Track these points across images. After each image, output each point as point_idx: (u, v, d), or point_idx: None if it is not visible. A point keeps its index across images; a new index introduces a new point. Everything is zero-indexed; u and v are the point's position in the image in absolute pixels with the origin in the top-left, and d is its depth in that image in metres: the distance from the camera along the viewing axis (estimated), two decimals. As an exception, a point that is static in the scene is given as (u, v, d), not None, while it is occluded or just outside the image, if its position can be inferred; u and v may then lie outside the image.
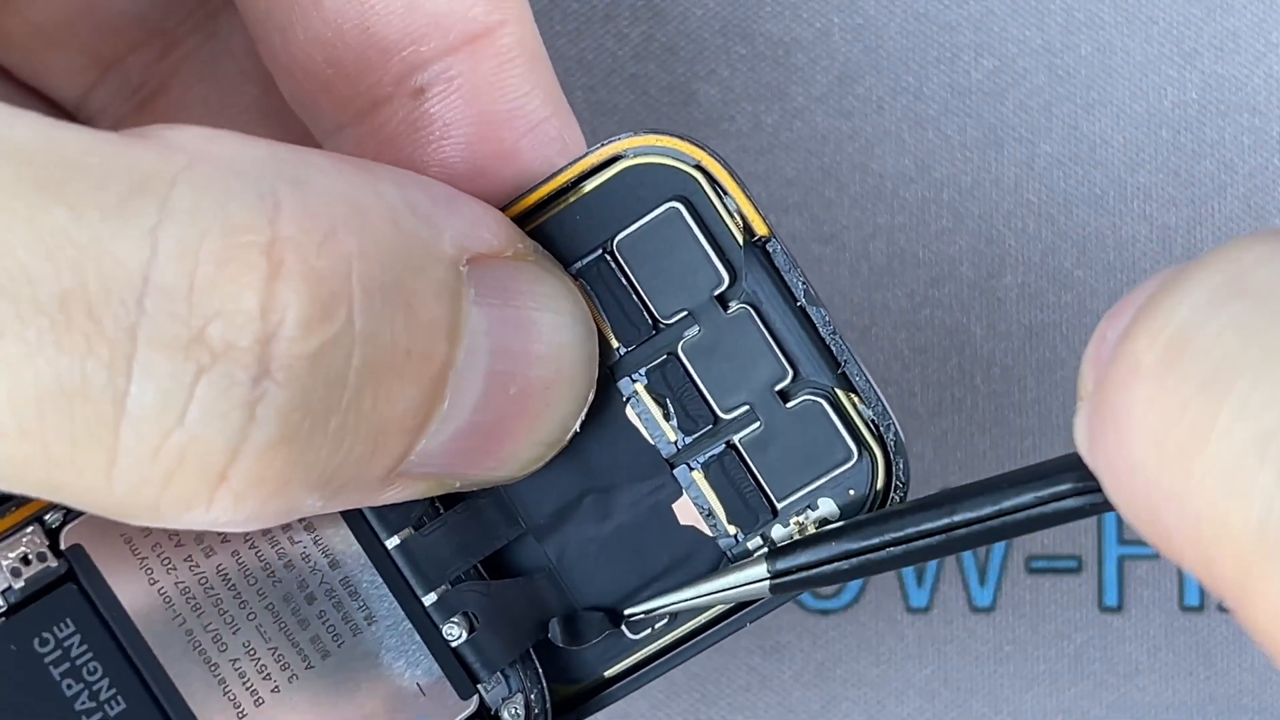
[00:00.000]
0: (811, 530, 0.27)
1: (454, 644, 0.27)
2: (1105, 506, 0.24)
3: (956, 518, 0.25)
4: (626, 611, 0.27)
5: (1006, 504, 0.25)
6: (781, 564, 0.26)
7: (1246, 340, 0.20)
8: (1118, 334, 0.22)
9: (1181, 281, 0.21)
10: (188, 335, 0.22)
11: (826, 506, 0.27)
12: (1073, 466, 0.24)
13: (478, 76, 0.27)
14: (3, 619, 0.26)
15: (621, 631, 0.28)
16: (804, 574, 0.26)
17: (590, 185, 0.27)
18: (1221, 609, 0.37)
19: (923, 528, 0.25)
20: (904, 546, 0.26)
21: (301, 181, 0.23)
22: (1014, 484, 0.25)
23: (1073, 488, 0.24)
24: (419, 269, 0.24)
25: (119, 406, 0.22)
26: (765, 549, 0.27)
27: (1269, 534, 0.19)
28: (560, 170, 0.27)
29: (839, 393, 0.27)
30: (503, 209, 0.27)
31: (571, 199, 0.27)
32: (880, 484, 0.27)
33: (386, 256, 0.23)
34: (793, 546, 0.27)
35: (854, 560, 0.26)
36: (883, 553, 0.26)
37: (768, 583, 0.26)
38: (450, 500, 0.27)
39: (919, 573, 0.37)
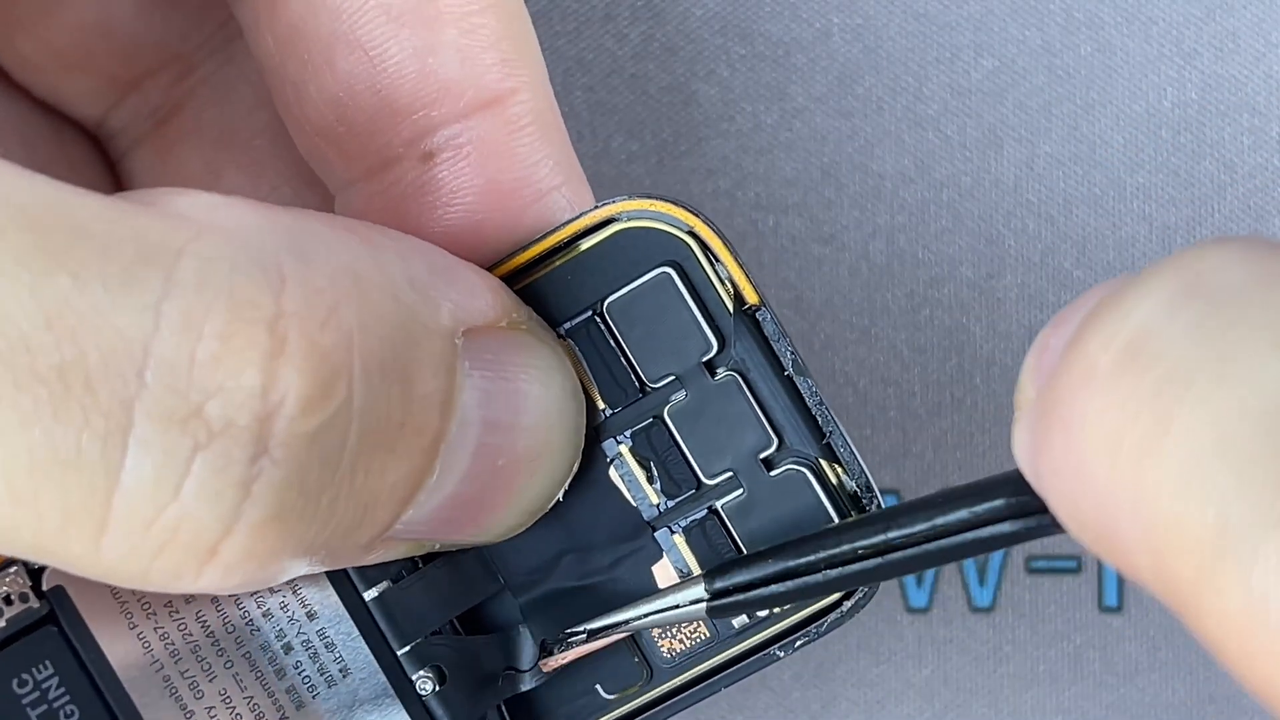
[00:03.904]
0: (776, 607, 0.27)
1: (424, 697, 0.27)
2: (1040, 531, 0.24)
3: (892, 534, 0.25)
4: (564, 632, 0.28)
5: (940, 521, 0.24)
6: (720, 583, 0.26)
7: (1204, 342, 0.20)
8: (1063, 341, 0.21)
9: (1137, 285, 0.21)
10: (186, 411, 0.22)
11: None
12: (1009, 482, 0.24)
13: (487, 143, 0.27)
14: None
15: (596, 692, 0.28)
16: (742, 596, 0.26)
17: (584, 246, 0.27)
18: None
19: (858, 545, 0.25)
20: (840, 570, 0.25)
21: (306, 254, 0.23)
22: (948, 500, 0.24)
23: (1006, 504, 0.24)
24: (416, 342, 0.24)
25: (113, 479, 0.22)
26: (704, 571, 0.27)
27: (1225, 536, 0.19)
28: (554, 229, 0.27)
29: (823, 463, 0.27)
30: (495, 265, 0.27)
31: (564, 259, 0.27)
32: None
33: (386, 331, 0.23)
34: (729, 565, 0.27)
35: (792, 583, 0.26)
36: (819, 575, 0.26)
37: (705, 605, 0.27)
38: (430, 554, 0.27)
39: (919, 573, 0.37)
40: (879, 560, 0.25)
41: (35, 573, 0.26)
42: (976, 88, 0.37)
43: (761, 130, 0.37)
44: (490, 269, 0.27)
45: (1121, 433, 0.20)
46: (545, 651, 0.28)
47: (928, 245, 0.37)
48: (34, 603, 0.26)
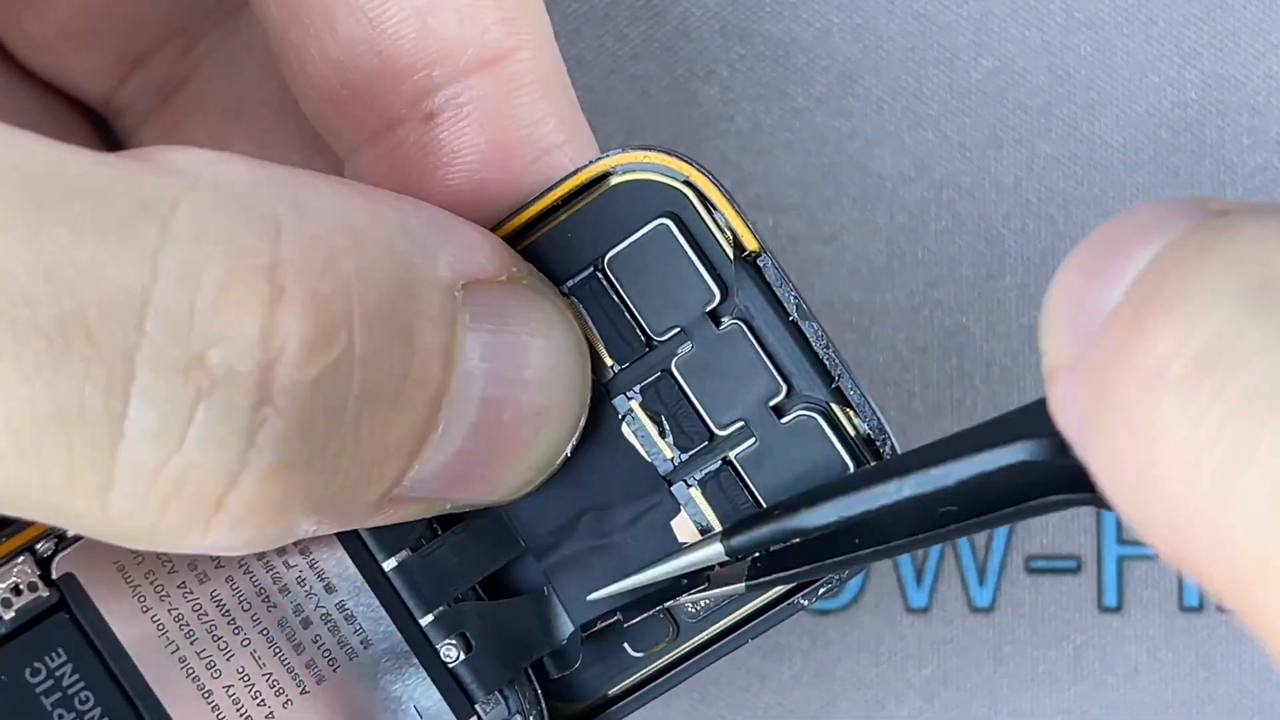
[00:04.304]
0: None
1: (450, 665, 0.27)
2: (1080, 501, 0.23)
3: (906, 493, 0.24)
4: (589, 597, 0.27)
5: (960, 477, 0.23)
6: (738, 540, 0.26)
7: None
8: (1108, 301, 0.20)
9: (1205, 277, 0.19)
10: (187, 360, 0.22)
11: None
12: (1029, 433, 0.23)
13: (488, 103, 0.27)
14: None
15: (624, 650, 0.28)
16: (779, 574, 0.26)
17: (580, 203, 0.27)
18: (1221, 609, 0.37)
19: (879, 506, 0.25)
20: (872, 549, 0.25)
21: (301, 205, 0.23)
22: (966, 449, 0.23)
23: (1026, 462, 0.23)
24: (415, 294, 0.24)
25: (116, 431, 0.22)
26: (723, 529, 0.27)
27: None
28: (550, 188, 0.27)
29: (834, 407, 0.27)
30: (494, 228, 0.27)
31: (562, 217, 0.27)
32: None
33: (384, 282, 0.23)
34: (746, 523, 0.26)
35: (828, 561, 0.26)
36: (854, 549, 0.26)
37: (744, 584, 0.26)
38: (448, 520, 0.27)
39: (918, 572, 0.37)
40: (910, 539, 0.25)
41: (44, 561, 0.26)
42: (976, 88, 0.37)
43: (761, 130, 0.37)
44: (491, 231, 0.27)
45: (1200, 451, 0.19)
46: (585, 632, 0.27)
47: (928, 245, 0.37)
48: (43, 591, 0.26)
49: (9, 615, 0.26)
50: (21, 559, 0.26)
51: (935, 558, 0.37)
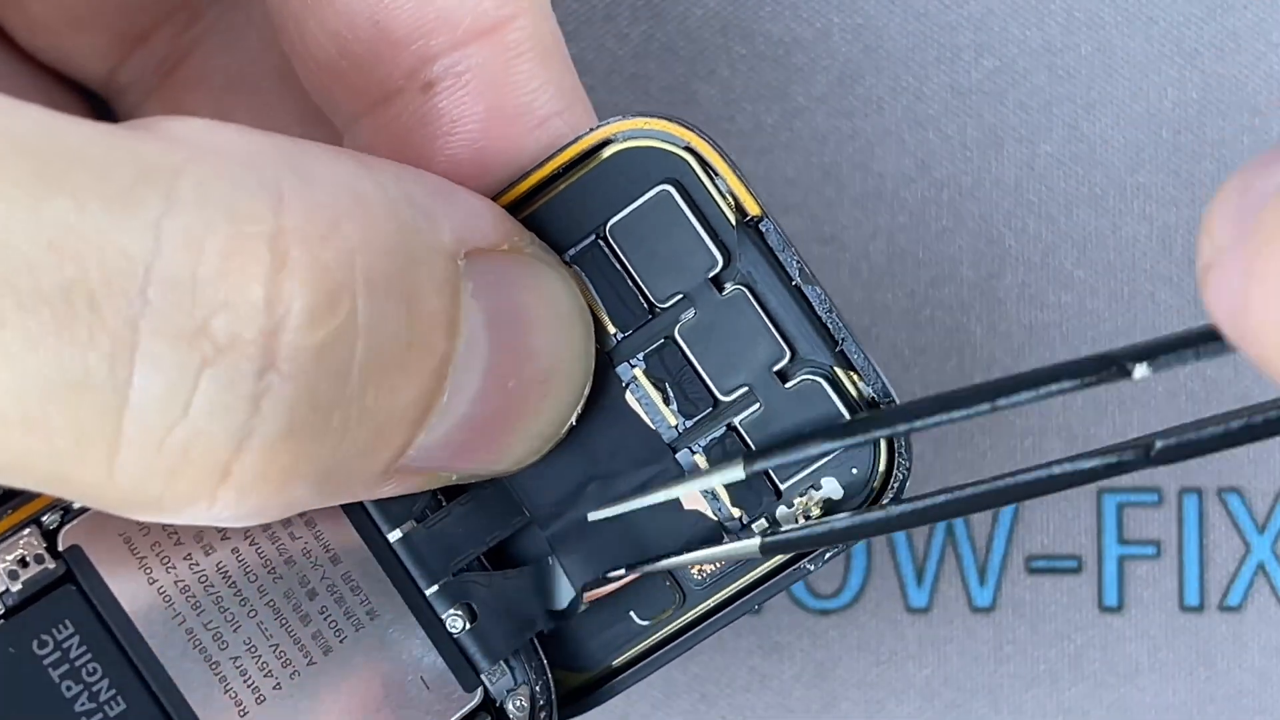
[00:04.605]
0: (815, 512, 0.27)
1: (455, 635, 0.27)
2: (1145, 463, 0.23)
3: (952, 413, 0.25)
4: (590, 517, 0.27)
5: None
6: (759, 465, 0.26)
7: None
8: (1274, 186, 0.20)
9: None
10: (192, 327, 0.22)
11: (830, 486, 0.27)
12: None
13: (486, 71, 0.27)
14: (1, 621, 0.26)
15: (630, 618, 0.28)
16: (794, 534, 0.26)
17: (581, 170, 0.27)
18: (1222, 609, 0.37)
19: (915, 424, 0.25)
20: (902, 507, 0.25)
21: (303, 173, 0.23)
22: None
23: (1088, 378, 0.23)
24: (418, 262, 0.24)
25: (122, 399, 0.22)
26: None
27: None
28: (551, 156, 0.27)
29: (838, 371, 0.27)
30: (495, 196, 0.27)
31: (563, 185, 0.27)
32: (883, 461, 0.27)
33: (387, 249, 0.23)
34: (769, 450, 0.26)
35: (846, 520, 0.26)
36: (880, 513, 0.26)
37: (759, 542, 0.26)
38: (452, 490, 0.27)
39: (919, 572, 0.37)
40: (929, 502, 0.25)
41: (50, 533, 0.26)
42: (977, 87, 0.37)
43: (761, 130, 0.37)
44: (492, 199, 0.27)
45: None
46: (586, 589, 0.27)
47: (928, 245, 0.37)
48: (50, 563, 0.26)
49: (16, 587, 0.26)
50: (28, 531, 0.26)
51: (936, 557, 0.37)
